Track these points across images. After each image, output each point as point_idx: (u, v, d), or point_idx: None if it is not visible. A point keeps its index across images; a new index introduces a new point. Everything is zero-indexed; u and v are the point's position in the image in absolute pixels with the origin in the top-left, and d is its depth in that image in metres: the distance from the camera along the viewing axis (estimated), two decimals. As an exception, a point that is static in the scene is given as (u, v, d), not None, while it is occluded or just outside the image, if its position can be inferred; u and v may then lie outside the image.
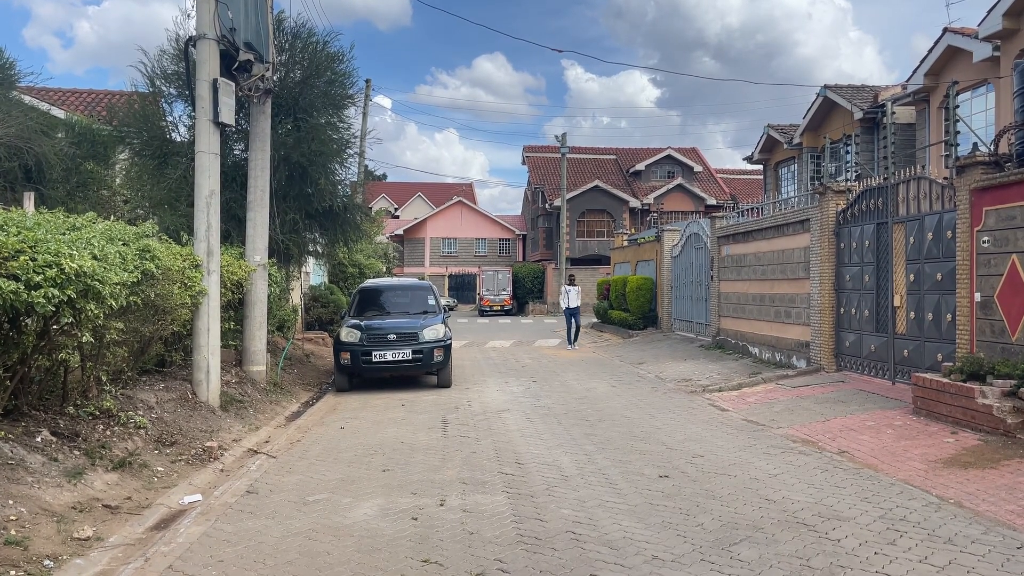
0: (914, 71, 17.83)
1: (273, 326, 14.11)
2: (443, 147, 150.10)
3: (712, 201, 45.61)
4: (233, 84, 10.29)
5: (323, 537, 5.59)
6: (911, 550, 5.06)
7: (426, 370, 13.45)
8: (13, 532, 5.10)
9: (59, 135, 13.40)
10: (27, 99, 14.01)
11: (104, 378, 7.82)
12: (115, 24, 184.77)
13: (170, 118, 13.03)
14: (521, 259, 55.57)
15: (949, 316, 10.19)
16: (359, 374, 13.35)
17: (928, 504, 6.06)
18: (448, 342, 13.52)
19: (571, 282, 21.90)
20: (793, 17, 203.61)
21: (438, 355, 13.17)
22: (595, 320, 28.86)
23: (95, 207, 12.01)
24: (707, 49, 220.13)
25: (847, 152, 21.52)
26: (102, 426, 7.36)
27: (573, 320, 21.19)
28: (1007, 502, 6.01)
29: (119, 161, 14.21)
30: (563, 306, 21.26)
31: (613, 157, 53.06)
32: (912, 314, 11.09)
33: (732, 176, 53.42)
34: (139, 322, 8.05)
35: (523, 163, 55.00)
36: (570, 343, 21.18)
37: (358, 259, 25.44)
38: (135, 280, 7.03)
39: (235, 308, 11.53)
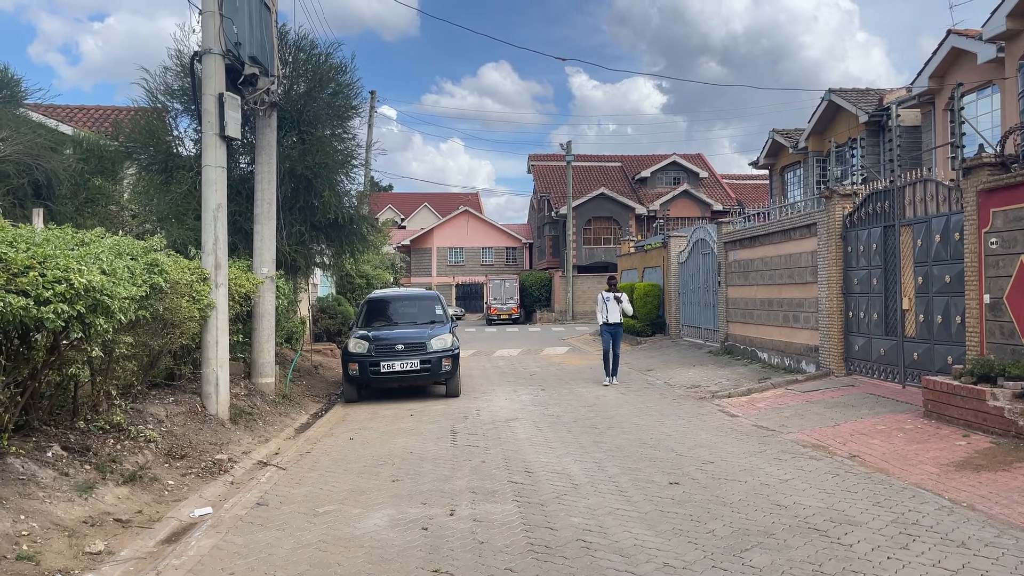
0: (918, 73, 17.80)
1: (281, 338, 14.14)
2: (449, 157, 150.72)
3: (718, 207, 45.57)
4: (239, 98, 10.35)
5: (333, 548, 5.59)
6: (924, 554, 5.03)
7: (434, 380, 13.44)
8: (25, 547, 5.12)
9: (67, 151, 13.51)
10: (35, 116, 14.13)
11: (114, 392, 7.85)
12: (121, 39, 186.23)
13: (176, 133, 13.14)
14: (528, 267, 55.58)
15: (958, 318, 10.15)
16: (367, 385, 13.34)
17: (941, 507, 6.02)
18: (456, 351, 13.51)
19: (612, 287, 15.20)
20: (798, 20, 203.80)
21: (446, 364, 13.16)
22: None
23: (103, 222, 12.09)
24: (712, 54, 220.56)
25: (853, 155, 21.48)
26: (112, 440, 7.38)
27: (612, 343, 14.65)
28: (1020, 504, 5.97)
29: (127, 176, 14.30)
30: (600, 320, 14.94)
31: (618, 164, 53.12)
32: (921, 317, 11.04)
33: (738, 181, 53.38)
34: (148, 336, 8.08)
35: (528, 172, 55.16)
36: (609, 375, 14.71)
37: (365, 270, 25.48)
38: (144, 294, 7.06)
39: (243, 321, 11.56)
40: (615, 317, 14.67)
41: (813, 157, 23.36)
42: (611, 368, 14.66)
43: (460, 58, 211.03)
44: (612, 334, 14.69)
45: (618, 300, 14.69)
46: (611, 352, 14.62)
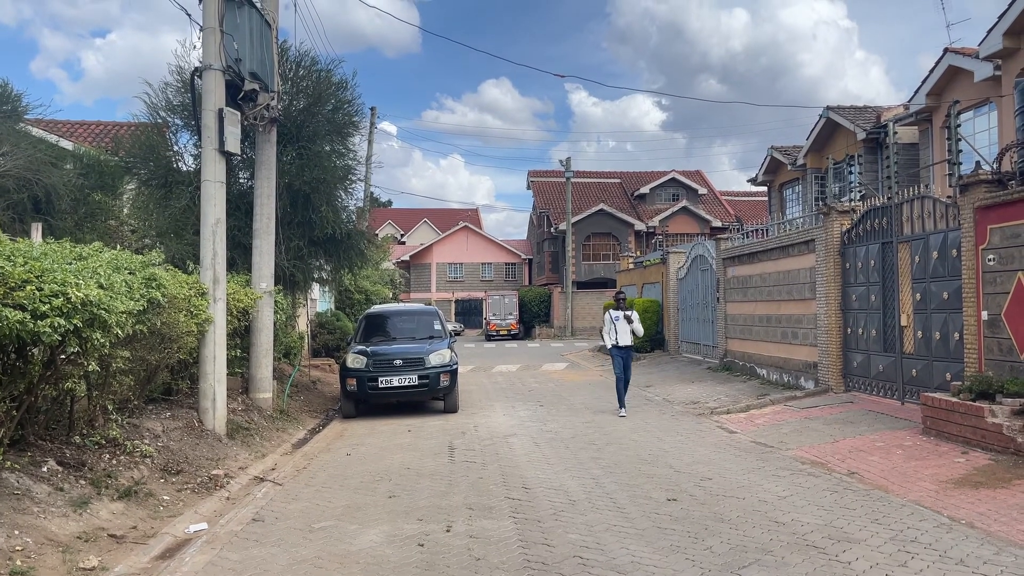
0: (916, 91, 17.90)
1: (279, 353, 14.11)
2: (449, 173, 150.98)
3: (717, 223, 45.65)
4: (239, 113, 10.39)
5: (329, 564, 5.56)
6: (923, 572, 5.00)
7: (432, 395, 13.41)
8: (19, 563, 5.09)
9: (67, 166, 13.51)
10: (35, 131, 14.15)
11: (110, 407, 7.82)
12: (123, 55, 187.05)
13: (176, 148, 13.17)
14: (527, 283, 55.61)
15: (957, 335, 10.15)
16: (365, 400, 13.31)
17: (939, 525, 6.00)
18: (454, 367, 13.49)
19: (620, 304, 13.47)
20: (797, 39, 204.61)
21: (444, 380, 13.13)
22: (601, 343, 28.79)
23: (103, 237, 12.08)
24: (712, 72, 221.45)
25: (851, 172, 21.55)
26: (108, 455, 7.35)
27: (625, 369, 12.85)
28: (1019, 522, 5.95)
29: (126, 191, 14.32)
30: (608, 343, 13.10)
31: (618, 181, 53.33)
32: (919, 333, 11.04)
33: (737, 198, 53.56)
34: (145, 350, 8.07)
35: (528, 188, 55.31)
36: (621, 405, 12.75)
37: (364, 285, 25.50)
38: (141, 309, 7.06)
39: (241, 335, 11.55)
40: (625, 339, 12.87)
41: (811, 174, 23.43)
42: (623, 398, 12.84)
43: (461, 75, 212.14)
44: (623, 358, 12.84)
45: (628, 320, 12.89)
46: (623, 380, 12.82)
